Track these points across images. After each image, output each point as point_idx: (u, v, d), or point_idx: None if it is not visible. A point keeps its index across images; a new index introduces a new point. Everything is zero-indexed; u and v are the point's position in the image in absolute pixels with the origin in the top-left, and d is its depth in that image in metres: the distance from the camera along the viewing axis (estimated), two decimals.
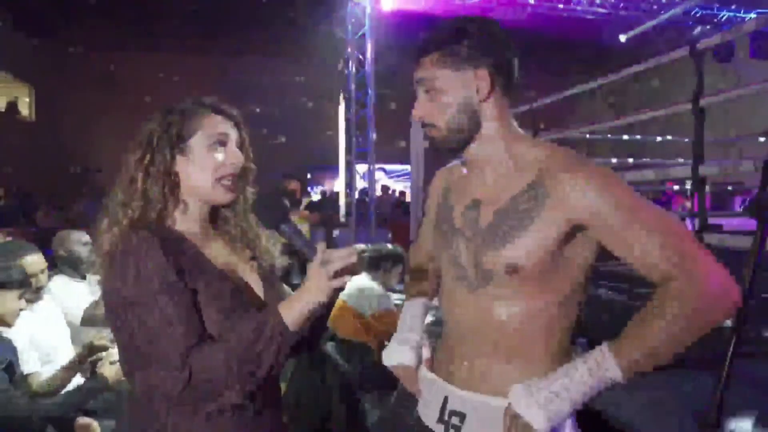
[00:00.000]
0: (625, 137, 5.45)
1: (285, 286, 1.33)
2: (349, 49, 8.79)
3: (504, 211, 1.07)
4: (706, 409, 1.40)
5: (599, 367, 0.96)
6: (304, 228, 6.73)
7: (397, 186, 14.24)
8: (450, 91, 1.08)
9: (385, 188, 13.04)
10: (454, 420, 1.10)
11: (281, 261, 1.28)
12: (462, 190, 1.18)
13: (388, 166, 15.02)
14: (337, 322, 3.33)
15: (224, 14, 12.95)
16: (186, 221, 1.15)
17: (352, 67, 8.67)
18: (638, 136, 6.01)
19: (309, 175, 15.06)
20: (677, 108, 3.21)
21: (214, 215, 1.22)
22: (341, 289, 1.08)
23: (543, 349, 1.08)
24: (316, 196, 12.47)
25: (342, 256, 1.05)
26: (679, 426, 1.44)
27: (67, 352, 2.59)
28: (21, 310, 2.18)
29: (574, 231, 1.04)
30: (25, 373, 2.30)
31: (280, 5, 10.58)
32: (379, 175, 14.47)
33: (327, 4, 8.81)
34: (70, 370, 2.38)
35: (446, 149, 1.14)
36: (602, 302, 2.80)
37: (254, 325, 1.03)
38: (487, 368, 1.11)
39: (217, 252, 1.17)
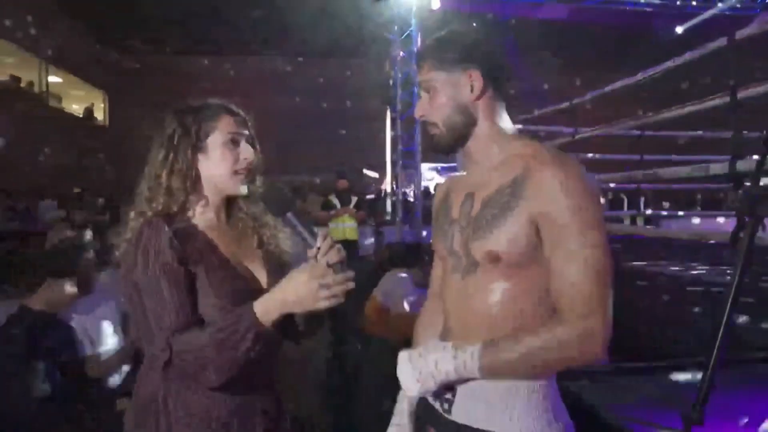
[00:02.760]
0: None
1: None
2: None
3: (489, 202, 1.15)
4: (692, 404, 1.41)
5: (465, 369, 1.09)
6: (353, 225, 6.90)
7: None
8: (444, 91, 1.18)
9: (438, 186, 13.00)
10: (447, 394, 1.18)
11: (289, 247, 1.41)
12: (461, 187, 1.26)
13: (443, 165, 15.01)
14: (369, 316, 3.45)
15: (281, 19, 13.37)
16: (203, 212, 1.30)
17: (398, 67, 8.76)
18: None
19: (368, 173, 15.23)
20: (714, 102, 3.11)
21: (229, 205, 1.36)
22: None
23: None
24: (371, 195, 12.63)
25: (331, 257, 1.17)
26: (667, 421, 1.46)
27: (116, 339, 2.84)
28: (75, 297, 2.40)
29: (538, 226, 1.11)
30: (80, 355, 2.55)
31: (332, 8, 10.81)
32: (432, 174, 14.47)
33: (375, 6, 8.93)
34: (119, 356, 2.63)
35: (444, 146, 1.22)
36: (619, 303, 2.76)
37: (232, 320, 1.15)
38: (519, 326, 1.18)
39: (228, 240, 1.31)
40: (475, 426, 1.14)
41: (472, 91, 1.17)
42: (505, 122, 1.22)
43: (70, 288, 2.37)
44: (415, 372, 1.11)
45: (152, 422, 1.22)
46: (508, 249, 1.10)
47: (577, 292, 1.05)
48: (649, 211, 7.44)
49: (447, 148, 1.23)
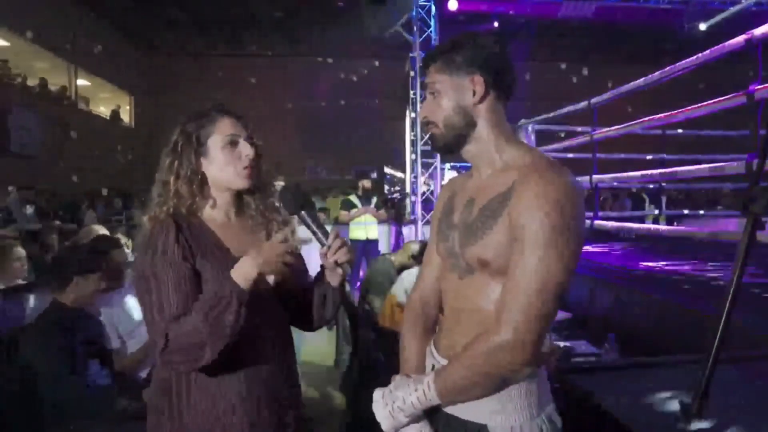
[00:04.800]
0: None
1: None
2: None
3: (482, 210, 1.20)
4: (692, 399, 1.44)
5: (426, 398, 1.16)
6: (373, 224, 6.97)
7: None
8: (447, 93, 1.23)
9: None
10: None
11: (297, 241, 1.48)
12: (464, 191, 1.31)
13: (463, 164, 14.95)
14: (385, 314, 3.52)
15: (305, 20, 13.52)
16: (212, 210, 1.40)
17: (418, 68, 8.80)
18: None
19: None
20: (733, 101, 3.08)
21: (239, 201, 1.45)
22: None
23: None
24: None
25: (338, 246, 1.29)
26: (665, 415, 1.49)
27: (143, 334, 2.95)
28: (102, 291, 2.52)
29: None
30: (107, 347, 2.66)
31: (351, 10, 10.90)
32: (453, 174, 14.45)
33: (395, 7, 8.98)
34: (144, 350, 2.74)
35: (442, 145, 1.27)
36: (636, 301, 2.78)
37: (213, 291, 1.24)
38: (466, 342, 1.23)
39: (237, 237, 1.39)
40: (462, 417, 1.19)
41: (474, 95, 1.21)
42: (505, 128, 1.26)
43: (99, 283, 2.47)
44: (387, 408, 1.19)
45: (166, 408, 1.31)
46: (495, 256, 1.15)
47: (515, 303, 1.08)
48: (662, 211, 7.36)
49: (444, 147, 1.27)
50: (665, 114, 3.79)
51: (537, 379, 1.19)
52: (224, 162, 1.37)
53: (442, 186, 1.49)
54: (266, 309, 1.36)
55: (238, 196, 1.44)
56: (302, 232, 1.41)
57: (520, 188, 1.13)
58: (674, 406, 1.46)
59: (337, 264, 1.36)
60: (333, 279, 1.43)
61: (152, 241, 1.28)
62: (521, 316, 1.07)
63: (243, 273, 1.25)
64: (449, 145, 1.26)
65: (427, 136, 1.32)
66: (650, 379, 1.75)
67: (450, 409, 1.21)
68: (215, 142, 1.37)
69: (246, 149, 1.39)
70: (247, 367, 1.32)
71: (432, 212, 1.46)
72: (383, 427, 1.20)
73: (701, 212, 7.24)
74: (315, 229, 1.31)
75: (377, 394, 1.22)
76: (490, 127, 1.23)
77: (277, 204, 1.46)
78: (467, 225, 1.22)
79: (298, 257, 1.43)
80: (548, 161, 1.18)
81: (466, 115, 1.22)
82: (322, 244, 1.33)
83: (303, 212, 1.33)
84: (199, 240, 1.33)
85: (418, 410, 1.18)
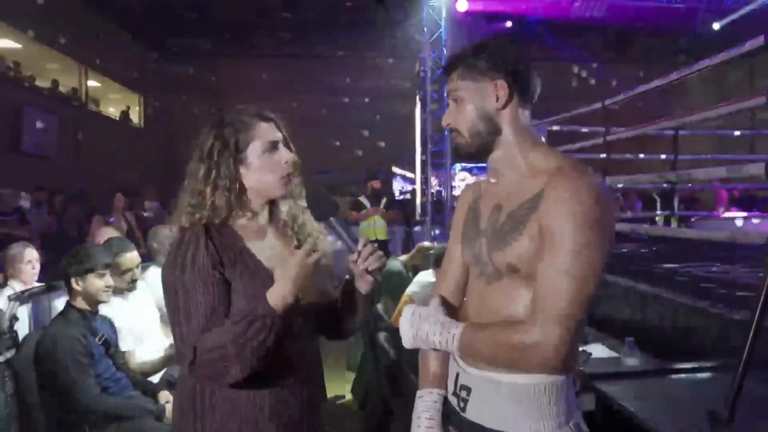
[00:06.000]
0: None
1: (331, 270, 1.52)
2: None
3: (511, 215, 1.18)
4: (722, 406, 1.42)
5: (447, 345, 1.18)
6: (383, 225, 6.96)
7: None
8: (471, 100, 1.22)
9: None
10: (463, 393, 1.22)
11: (327, 248, 1.47)
12: (489, 196, 1.28)
13: (475, 165, 14.91)
14: (399, 311, 3.50)
15: (313, 20, 13.53)
16: (244, 218, 1.33)
17: (428, 69, 8.78)
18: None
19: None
20: (751, 102, 3.05)
21: (272, 206, 1.38)
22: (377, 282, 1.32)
23: None
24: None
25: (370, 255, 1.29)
26: (694, 423, 1.46)
27: (157, 335, 2.96)
28: (108, 287, 2.47)
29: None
30: (122, 350, 2.67)
31: (361, 10, 10.90)
32: (464, 175, 14.45)
33: (405, 7, 8.99)
34: (166, 359, 2.77)
35: (467, 154, 1.26)
36: (661, 302, 2.75)
37: (247, 311, 1.20)
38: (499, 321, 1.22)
39: (267, 244, 1.34)
40: (486, 426, 1.17)
41: (497, 100, 1.20)
42: (530, 132, 1.24)
43: (100, 283, 2.44)
44: (412, 329, 1.21)
45: (190, 421, 1.28)
46: (525, 261, 1.13)
47: (546, 304, 1.06)
48: (670, 213, 7.27)
49: (470, 156, 1.26)
50: (682, 114, 3.76)
51: (565, 386, 1.16)
52: (264, 169, 1.31)
53: (457, 189, 1.45)
54: (294, 324, 1.31)
55: (272, 201, 1.38)
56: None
57: (550, 193, 1.11)
58: (700, 412, 1.45)
59: (367, 271, 1.34)
60: (362, 286, 1.39)
61: (182, 251, 1.24)
62: (554, 318, 1.06)
63: (280, 297, 1.21)
64: (475, 154, 1.25)
65: (453, 141, 1.28)
66: (675, 385, 1.73)
67: (474, 417, 1.19)
68: (255, 148, 1.30)
69: (286, 155, 1.33)
70: (273, 381, 1.28)
71: (454, 217, 1.43)
72: (403, 341, 1.24)
73: (716, 213, 7.16)
74: (345, 236, 1.29)
75: (408, 309, 1.24)
76: (514, 132, 1.22)
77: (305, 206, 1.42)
78: (495, 231, 1.21)
79: (328, 266, 1.41)
80: (575, 164, 1.16)
81: (490, 121, 1.21)
82: (352, 251, 1.30)
83: (332, 219, 1.30)
84: (230, 249, 1.27)
85: (439, 349, 1.21)
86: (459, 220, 1.37)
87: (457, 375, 1.25)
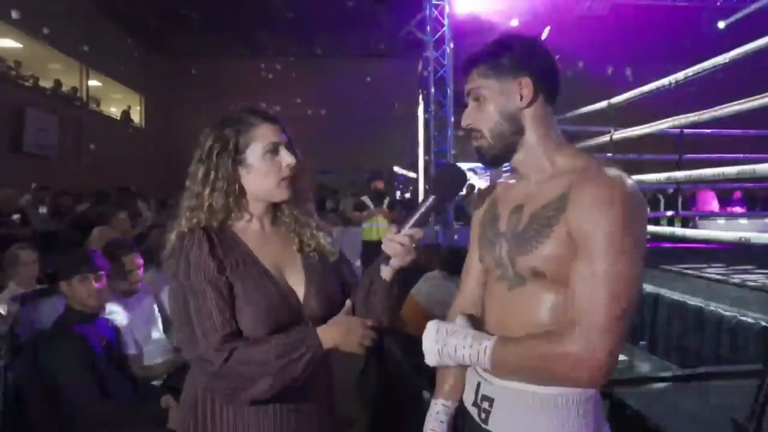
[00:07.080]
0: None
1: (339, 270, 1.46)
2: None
3: (534, 218, 1.12)
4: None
5: (477, 359, 1.11)
6: (385, 226, 6.92)
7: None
8: (493, 99, 1.15)
9: (470, 187, 12.89)
10: (485, 405, 1.17)
11: (329, 245, 1.43)
12: (509, 198, 1.22)
13: (479, 165, 14.86)
14: (406, 317, 3.44)
15: (315, 20, 13.52)
16: (245, 221, 1.30)
17: (431, 68, 8.74)
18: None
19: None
20: (759, 102, 3.00)
21: (273, 208, 1.35)
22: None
23: None
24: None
25: None
26: None
27: (159, 337, 2.91)
28: (99, 291, 2.37)
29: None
30: (124, 353, 2.62)
31: (363, 10, 10.87)
32: (469, 175, 14.41)
33: (408, 7, 8.96)
34: (169, 364, 2.75)
35: (490, 157, 1.19)
36: (674, 306, 2.71)
37: (296, 337, 1.20)
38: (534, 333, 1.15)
39: (270, 248, 1.30)
40: None
41: (521, 99, 1.14)
42: (555, 132, 1.18)
43: (91, 285, 2.35)
44: (437, 345, 1.14)
45: (192, 428, 1.25)
46: (551, 266, 1.07)
47: (589, 315, 1.00)
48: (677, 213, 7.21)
49: (493, 159, 1.19)
50: (693, 113, 3.71)
51: (593, 397, 1.11)
52: (264, 172, 1.27)
53: (478, 189, 1.39)
54: None
55: (274, 204, 1.34)
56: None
57: (578, 194, 1.05)
58: (723, 421, 1.40)
59: (401, 248, 1.26)
60: (385, 271, 1.34)
61: (184, 255, 1.20)
62: (594, 329, 0.99)
63: (329, 338, 1.23)
64: (498, 157, 1.18)
65: (475, 143, 1.21)
66: (694, 392, 1.68)
67: (497, 429, 1.14)
68: (255, 150, 1.26)
69: (287, 158, 1.28)
70: (282, 398, 1.24)
71: (472, 220, 1.38)
72: (426, 359, 1.17)
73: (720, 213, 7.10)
74: (421, 214, 1.24)
75: (432, 325, 1.17)
76: (539, 132, 1.15)
77: (310, 205, 1.40)
78: (516, 234, 1.15)
79: (346, 263, 1.42)
80: (602, 164, 1.09)
81: (514, 121, 1.15)
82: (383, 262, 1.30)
83: (433, 197, 1.24)
84: (231, 253, 1.24)
85: (467, 364, 1.15)
86: (476, 225, 1.31)
87: (479, 385, 1.20)
